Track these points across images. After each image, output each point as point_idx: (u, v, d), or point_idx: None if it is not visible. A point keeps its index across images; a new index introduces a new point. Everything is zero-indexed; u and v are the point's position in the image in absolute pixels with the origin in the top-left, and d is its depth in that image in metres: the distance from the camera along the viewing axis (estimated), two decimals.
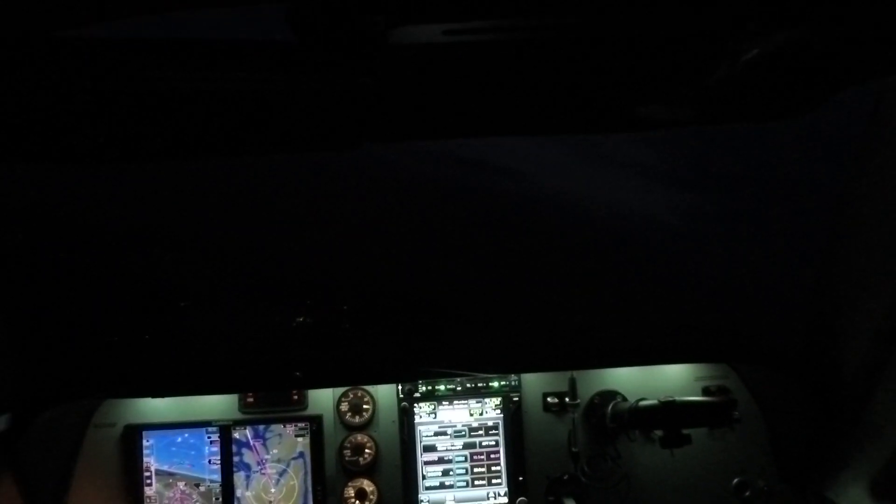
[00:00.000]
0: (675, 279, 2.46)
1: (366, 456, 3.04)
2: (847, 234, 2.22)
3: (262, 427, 3.05)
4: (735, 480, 3.02)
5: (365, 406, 3.08)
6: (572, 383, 3.06)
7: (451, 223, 2.28)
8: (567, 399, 3.06)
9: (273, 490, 3.03)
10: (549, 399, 3.08)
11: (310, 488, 3.03)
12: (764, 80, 1.62)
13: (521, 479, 3.04)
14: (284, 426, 3.06)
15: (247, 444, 3.04)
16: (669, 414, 2.77)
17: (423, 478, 3.05)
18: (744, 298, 2.52)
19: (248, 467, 3.04)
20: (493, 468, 3.07)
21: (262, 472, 3.04)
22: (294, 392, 3.08)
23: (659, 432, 2.87)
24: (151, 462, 3.00)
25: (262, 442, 3.05)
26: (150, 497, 2.99)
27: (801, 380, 2.75)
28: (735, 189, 2.10)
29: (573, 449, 3.02)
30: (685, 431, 2.78)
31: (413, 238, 2.31)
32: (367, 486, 3.03)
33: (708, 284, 2.47)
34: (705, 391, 3.05)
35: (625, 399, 3.04)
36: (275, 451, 3.05)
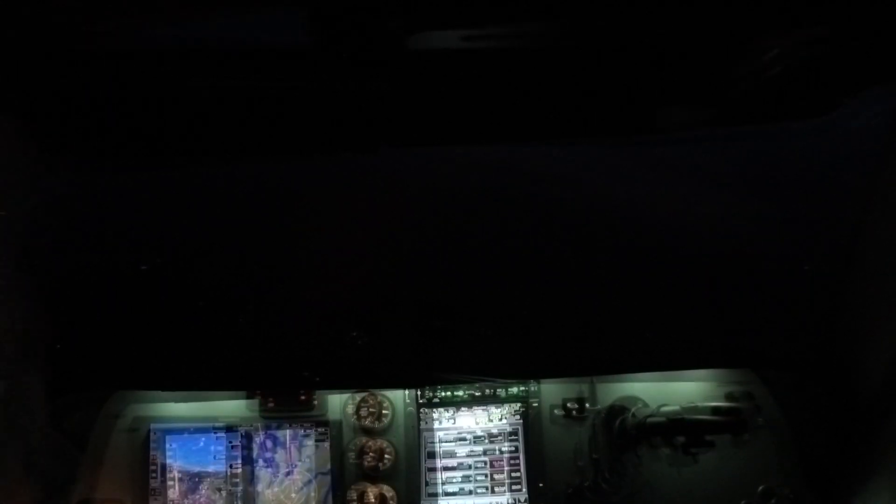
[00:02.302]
0: (698, 283, 2.43)
1: (385, 461, 3.04)
2: (873, 236, 2.18)
3: (279, 430, 3.07)
4: (760, 488, 2.97)
5: (384, 411, 3.08)
6: (592, 389, 3.03)
7: (475, 227, 2.27)
8: (587, 405, 3.04)
9: (294, 495, 3.04)
10: (568, 405, 3.06)
11: (329, 492, 3.03)
12: (785, 80, 1.60)
13: (541, 485, 3.02)
14: (304, 430, 3.07)
15: (264, 447, 3.06)
16: (691, 420, 2.73)
17: (443, 483, 3.05)
18: (768, 302, 2.48)
19: (268, 467, 3.05)
20: (513, 474, 3.05)
21: (287, 474, 3.05)
22: (313, 396, 3.09)
23: (681, 438, 2.83)
24: (158, 456, 3.03)
25: (280, 445, 3.06)
26: (154, 489, 3.02)
27: (826, 386, 2.70)
28: (762, 191, 2.07)
29: (594, 456, 2.99)
30: (708, 438, 2.75)
31: (436, 243, 2.30)
32: (387, 491, 3.03)
33: (732, 288, 2.43)
34: (728, 397, 3.01)
35: (646, 405, 3.01)
36: (299, 457, 3.06)
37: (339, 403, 3.10)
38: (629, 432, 2.94)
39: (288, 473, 3.05)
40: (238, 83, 1.30)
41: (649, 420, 2.86)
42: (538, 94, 1.66)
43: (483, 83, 1.56)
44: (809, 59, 1.50)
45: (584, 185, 2.16)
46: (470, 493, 3.04)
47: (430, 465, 3.05)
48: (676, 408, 2.78)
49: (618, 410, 3.02)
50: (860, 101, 1.76)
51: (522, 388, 3.09)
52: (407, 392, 3.10)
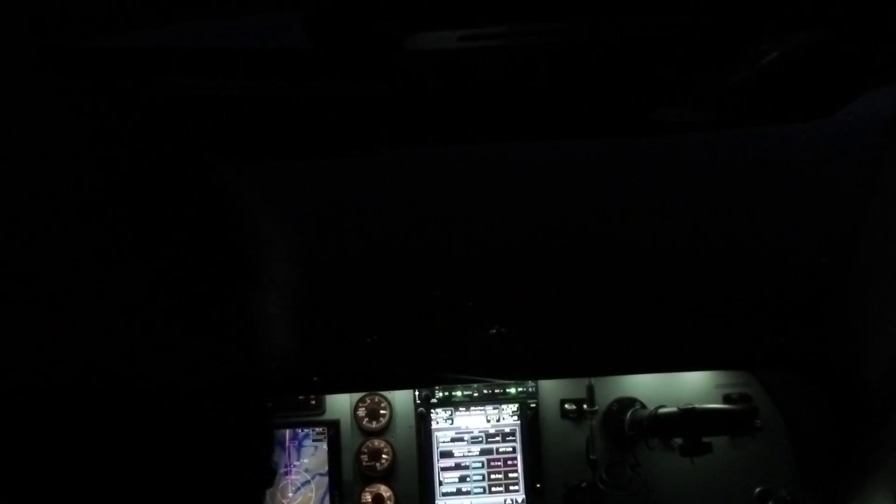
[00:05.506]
0: (696, 284, 2.43)
1: (383, 461, 3.04)
2: (873, 236, 2.18)
3: (277, 430, 3.06)
4: (757, 489, 2.97)
5: (382, 411, 3.08)
6: (590, 390, 3.03)
7: (475, 227, 2.26)
8: (585, 406, 3.04)
9: (291, 495, 3.04)
10: (566, 406, 3.06)
11: (326, 493, 3.03)
12: (785, 82, 1.59)
13: (538, 486, 3.02)
14: (302, 431, 3.06)
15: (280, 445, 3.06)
16: (689, 422, 2.73)
17: (441, 483, 3.05)
18: (766, 303, 2.47)
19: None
20: (511, 475, 3.05)
21: (285, 474, 3.05)
22: (312, 397, 3.09)
23: (678, 440, 2.83)
24: None
25: (277, 445, 3.06)
26: None
27: (824, 387, 2.70)
28: (760, 192, 2.07)
29: (591, 456, 2.99)
30: (705, 440, 2.75)
31: (436, 243, 2.29)
32: (385, 491, 3.03)
33: (730, 289, 2.43)
34: (726, 399, 3.01)
35: (644, 406, 3.01)
36: (297, 457, 3.05)
37: (339, 404, 3.10)
38: (627, 434, 2.94)
39: (286, 474, 3.05)
40: (231, 86, 1.29)
41: (648, 418, 2.86)
42: (538, 94, 1.65)
43: (482, 83, 1.55)
44: (809, 60, 1.50)
45: (582, 185, 2.15)
46: (468, 493, 3.04)
47: (428, 466, 3.05)
48: (674, 409, 2.78)
49: (615, 412, 3.02)
50: (860, 103, 1.75)
51: (521, 389, 3.09)
52: (405, 392, 3.10)
